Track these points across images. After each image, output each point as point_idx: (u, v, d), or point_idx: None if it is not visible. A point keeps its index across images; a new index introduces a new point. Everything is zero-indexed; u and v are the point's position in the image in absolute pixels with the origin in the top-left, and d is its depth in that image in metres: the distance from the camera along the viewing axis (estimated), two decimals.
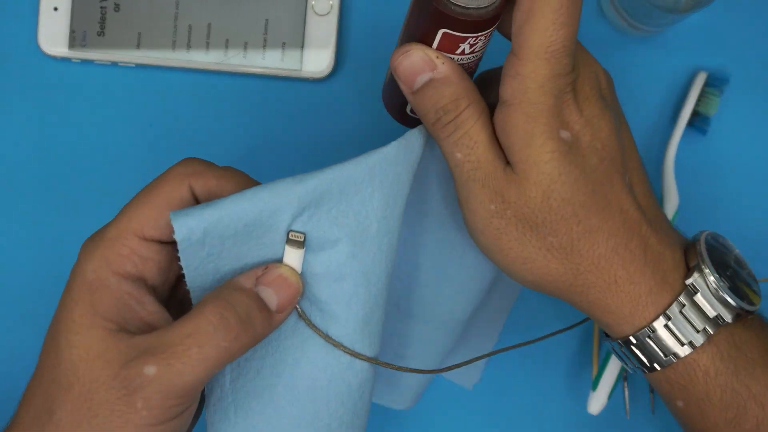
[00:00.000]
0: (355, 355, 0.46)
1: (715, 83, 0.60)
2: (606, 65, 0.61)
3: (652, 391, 0.60)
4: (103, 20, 0.60)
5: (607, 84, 0.48)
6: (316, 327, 0.46)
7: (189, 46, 0.60)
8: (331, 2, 0.60)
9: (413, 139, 0.46)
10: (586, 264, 0.47)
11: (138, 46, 0.60)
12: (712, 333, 0.47)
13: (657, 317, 0.47)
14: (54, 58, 0.61)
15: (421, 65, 0.45)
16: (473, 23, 0.43)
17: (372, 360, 0.47)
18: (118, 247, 0.44)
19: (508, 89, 0.44)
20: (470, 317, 0.55)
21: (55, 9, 0.60)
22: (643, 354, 0.48)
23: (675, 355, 0.48)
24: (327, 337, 0.46)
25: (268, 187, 0.43)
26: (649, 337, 0.47)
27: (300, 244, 0.44)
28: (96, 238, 0.45)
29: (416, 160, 0.47)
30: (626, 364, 0.50)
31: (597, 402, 0.59)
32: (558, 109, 0.44)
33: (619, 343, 0.49)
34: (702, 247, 0.48)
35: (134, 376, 0.42)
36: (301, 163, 0.61)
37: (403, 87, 0.46)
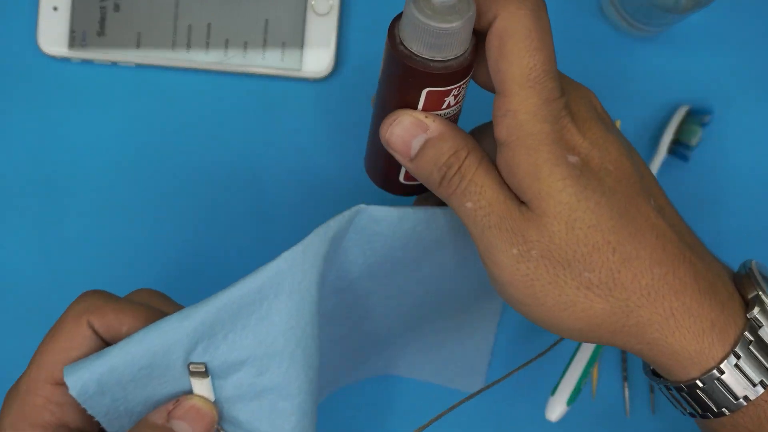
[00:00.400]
0: None
1: (697, 115, 0.60)
2: (606, 65, 0.61)
3: (652, 390, 0.60)
4: (103, 20, 0.60)
5: (602, 108, 0.46)
6: None
7: (189, 46, 0.60)
8: (331, 2, 0.60)
9: (312, 243, 0.44)
10: (635, 298, 0.42)
11: (138, 46, 0.60)
12: None
13: (726, 356, 0.42)
14: (54, 58, 0.61)
15: (414, 129, 0.44)
16: (454, 74, 0.42)
17: None
18: (32, 397, 0.43)
19: (503, 129, 0.43)
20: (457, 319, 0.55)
21: (55, 9, 0.60)
22: (709, 399, 0.43)
23: (746, 398, 0.43)
24: None
25: (155, 329, 0.42)
26: (717, 379, 0.43)
27: (204, 374, 0.43)
28: (12, 390, 0.44)
29: (319, 263, 0.44)
30: (682, 409, 0.45)
31: (556, 408, 0.57)
32: (558, 134, 0.42)
33: (681, 387, 0.44)
34: (757, 277, 0.44)
35: None
36: (301, 162, 0.61)
37: (399, 158, 0.45)
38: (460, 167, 0.43)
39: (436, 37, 0.41)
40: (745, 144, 0.61)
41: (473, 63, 0.43)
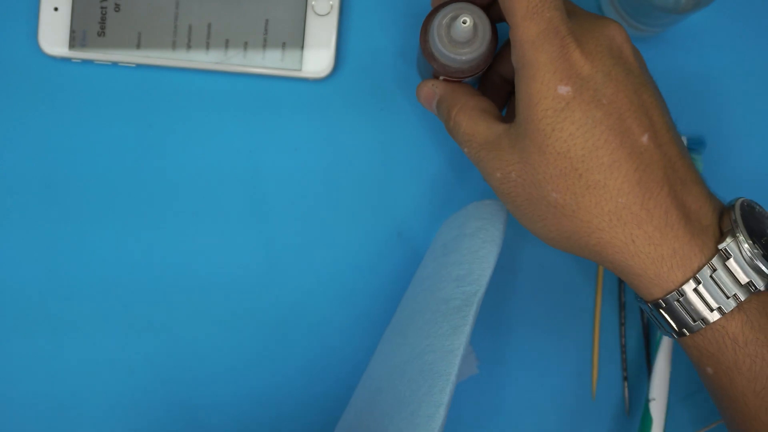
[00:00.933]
0: None
1: (693, 147, 0.60)
2: None
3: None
4: (103, 20, 0.60)
5: (624, 44, 0.48)
6: None
7: (189, 46, 0.60)
8: (331, 2, 0.60)
9: None
10: (596, 222, 0.47)
11: (138, 46, 0.60)
12: (742, 300, 0.47)
13: (686, 280, 0.47)
14: (54, 58, 0.61)
15: (429, 94, 0.54)
16: (465, 71, 0.52)
17: None
18: None
19: (513, 57, 0.48)
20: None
21: (55, 9, 0.60)
22: (671, 318, 0.48)
23: (704, 320, 0.47)
24: None
25: None
26: (677, 300, 0.47)
27: None
28: None
29: None
30: (658, 327, 0.49)
31: None
32: (555, 63, 0.47)
33: (649, 307, 0.48)
34: (737, 213, 0.48)
35: None
36: (301, 162, 0.61)
37: (427, 108, 0.55)
38: (453, 119, 0.52)
39: (452, 61, 0.52)
40: (746, 144, 0.61)
41: (488, 59, 0.52)
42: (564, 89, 0.47)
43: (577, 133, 0.47)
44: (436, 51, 0.52)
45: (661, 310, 0.48)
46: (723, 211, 0.48)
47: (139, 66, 0.61)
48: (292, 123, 0.61)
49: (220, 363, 0.61)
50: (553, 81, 0.47)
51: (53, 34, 0.60)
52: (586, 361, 0.61)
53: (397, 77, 0.61)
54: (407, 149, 0.61)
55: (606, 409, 0.61)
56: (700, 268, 0.47)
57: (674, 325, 0.48)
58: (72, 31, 0.60)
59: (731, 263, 0.47)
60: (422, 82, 0.55)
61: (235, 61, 0.60)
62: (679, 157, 0.48)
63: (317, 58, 0.60)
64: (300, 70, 0.60)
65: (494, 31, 0.52)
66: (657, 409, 0.59)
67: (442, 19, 0.52)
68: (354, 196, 0.61)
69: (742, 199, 0.49)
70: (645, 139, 0.47)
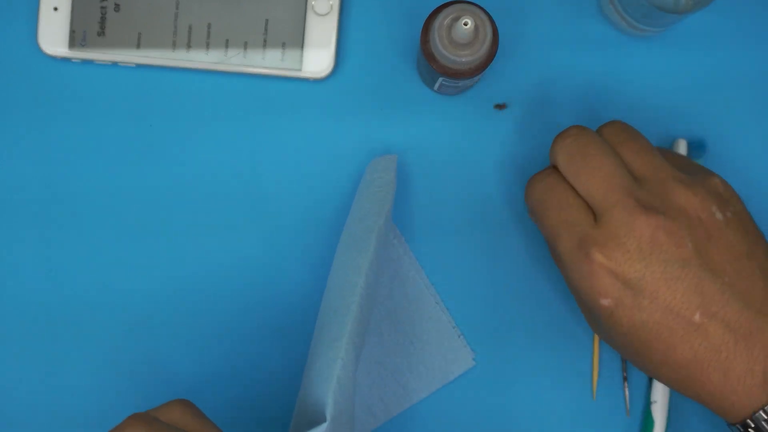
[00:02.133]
0: None
1: (694, 150, 0.60)
2: (606, 65, 0.61)
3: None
4: (103, 20, 0.60)
5: (660, 238, 0.50)
6: None
7: (189, 46, 0.60)
8: (331, 2, 0.60)
9: None
10: (667, 382, 0.53)
11: (138, 46, 0.60)
12: None
13: (742, 423, 0.51)
14: (54, 58, 0.61)
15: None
16: (465, 72, 0.53)
17: None
18: None
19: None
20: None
21: (55, 9, 0.60)
22: None
23: None
24: None
25: None
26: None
27: None
28: None
29: None
30: None
31: None
32: (589, 282, 0.51)
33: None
34: None
35: None
36: (301, 162, 0.61)
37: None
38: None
39: (452, 63, 0.52)
40: (745, 144, 0.61)
41: (488, 62, 0.52)
42: (605, 302, 0.51)
43: (628, 333, 0.51)
44: (437, 52, 0.52)
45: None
46: None
47: (139, 66, 0.61)
48: (292, 123, 0.61)
49: (221, 363, 0.61)
50: (594, 296, 0.51)
51: (53, 34, 0.60)
52: (586, 361, 0.61)
53: (397, 77, 0.61)
54: (407, 149, 0.61)
55: (606, 409, 0.61)
56: (753, 413, 0.50)
57: None
58: (72, 31, 0.60)
59: None
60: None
61: (235, 61, 0.60)
62: (740, 312, 0.50)
63: (317, 58, 0.60)
64: (300, 70, 0.60)
65: (495, 34, 0.52)
66: (659, 411, 0.59)
67: (443, 20, 0.51)
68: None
69: None
70: (697, 317, 0.50)
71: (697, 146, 0.60)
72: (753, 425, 0.50)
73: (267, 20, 0.60)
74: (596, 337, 0.60)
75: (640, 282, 0.50)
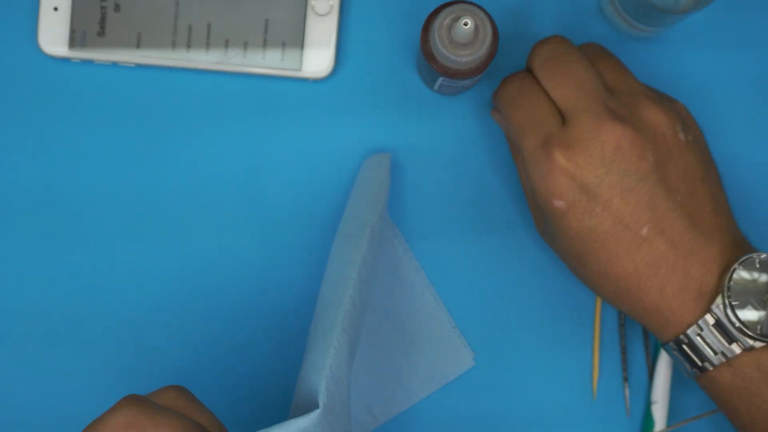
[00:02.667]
0: None
1: None
2: None
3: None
4: (103, 20, 0.60)
5: (625, 148, 0.51)
6: None
7: (189, 46, 0.60)
8: (331, 2, 0.60)
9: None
10: (602, 295, 0.54)
11: (138, 46, 0.60)
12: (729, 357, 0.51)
13: (675, 340, 0.52)
14: (54, 58, 0.61)
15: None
16: (465, 72, 0.53)
17: None
18: None
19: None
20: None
21: (55, 9, 0.60)
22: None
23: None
24: None
25: None
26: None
27: None
28: None
29: None
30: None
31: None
32: (545, 182, 0.52)
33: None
34: (729, 278, 0.51)
35: None
36: (301, 162, 0.61)
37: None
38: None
39: (452, 63, 0.52)
40: (745, 144, 0.61)
41: (488, 62, 0.53)
42: (558, 203, 0.52)
43: (575, 238, 0.52)
44: (437, 52, 0.52)
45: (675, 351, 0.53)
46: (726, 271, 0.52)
47: (139, 66, 0.61)
48: (291, 123, 0.61)
49: (220, 361, 0.61)
50: (548, 196, 0.52)
51: (53, 34, 0.60)
52: (586, 361, 0.61)
53: (397, 77, 0.61)
54: (407, 149, 0.61)
55: (606, 409, 0.61)
56: (688, 327, 0.52)
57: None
58: (72, 31, 0.60)
59: (722, 323, 0.51)
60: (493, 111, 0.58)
61: (235, 61, 0.60)
62: (686, 231, 0.52)
63: (317, 58, 0.60)
64: (300, 70, 0.60)
65: (495, 34, 0.52)
66: (659, 411, 0.59)
67: (443, 20, 0.51)
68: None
69: (759, 256, 0.51)
70: (645, 231, 0.51)
71: None
72: (686, 341, 0.51)
73: (267, 20, 0.60)
74: (597, 338, 0.60)
75: (597, 188, 0.51)
